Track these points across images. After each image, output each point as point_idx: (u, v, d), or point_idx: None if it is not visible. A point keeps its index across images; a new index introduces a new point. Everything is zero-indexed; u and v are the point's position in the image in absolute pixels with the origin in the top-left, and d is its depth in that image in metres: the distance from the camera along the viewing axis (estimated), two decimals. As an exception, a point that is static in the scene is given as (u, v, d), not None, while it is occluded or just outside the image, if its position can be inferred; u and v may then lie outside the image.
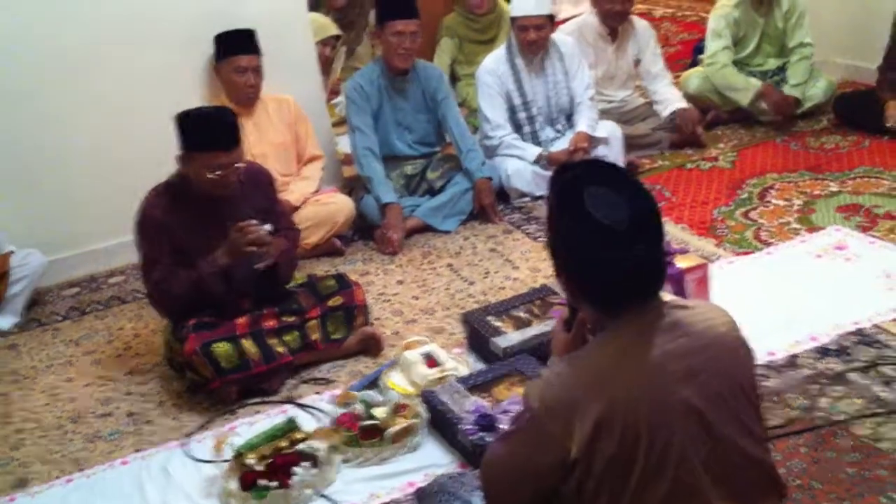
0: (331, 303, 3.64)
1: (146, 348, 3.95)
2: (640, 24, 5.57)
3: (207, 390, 3.45)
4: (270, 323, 3.53)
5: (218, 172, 3.34)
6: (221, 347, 3.37)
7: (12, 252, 4.32)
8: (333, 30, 5.94)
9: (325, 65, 5.66)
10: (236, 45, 4.48)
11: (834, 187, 4.60)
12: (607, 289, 1.82)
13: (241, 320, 3.48)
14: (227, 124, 3.39)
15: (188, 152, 3.37)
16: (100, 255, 4.75)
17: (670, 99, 5.44)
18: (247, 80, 4.49)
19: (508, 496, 1.95)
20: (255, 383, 3.46)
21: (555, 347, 2.12)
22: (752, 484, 1.87)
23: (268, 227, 3.45)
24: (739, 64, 5.64)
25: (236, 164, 3.39)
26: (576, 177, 1.86)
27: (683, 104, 5.42)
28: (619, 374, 1.77)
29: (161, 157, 4.59)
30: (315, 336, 3.59)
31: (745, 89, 5.52)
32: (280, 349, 3.50)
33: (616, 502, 1.78)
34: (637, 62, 5.55)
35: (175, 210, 3.43)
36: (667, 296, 2.00)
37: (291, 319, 3.58)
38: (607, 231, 1.76)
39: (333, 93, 6.00)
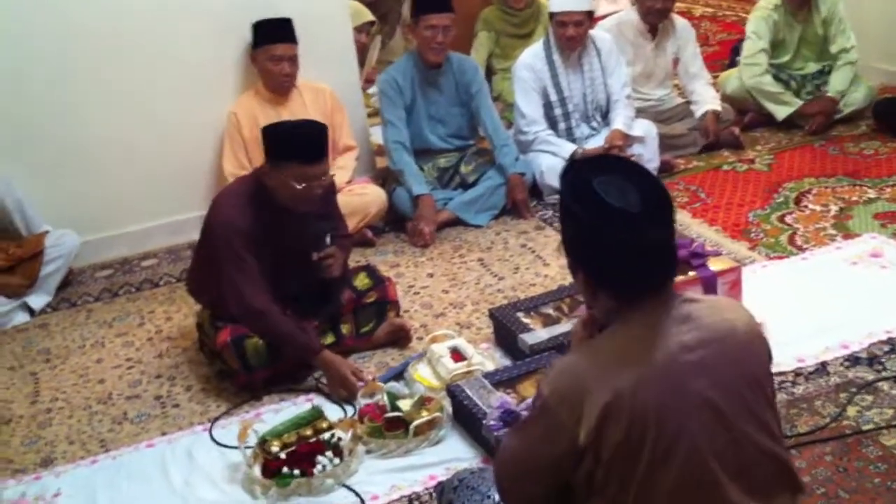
0: (365, 299, 3.65)
1: (177, 332, 3.98)
2: (681, 22, 5.53)
3: (235, 383, 3.47)
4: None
5: (304, 184, 3.28)
6: (253, 342, 3.36)
7: (47, 232, 4.37)
8: (368, 16, 5.95)
9: (361, 52, 5.67)
10: (273, 34, 4.49)
11: (872, 194, 4.55)
12: (624, 274, 1.84)
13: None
14: (317, 136, 3.34)
15: (276, 162, 3.29)
16: (134, 237, 4.79)
17: (705, 100, 5.40)
18: (282, 68, 4.50)
19: (521, 489, 1.95)
20: (282, 377, 3.48)
21: (573, 346, 2.15)
22: (769, 478, 1.86)
23: (328, 241, 3.48)
24: (779, 68, 5.59)
25: (322, 177, 3.34)
26: (584, 169, 1.91)
27: (715, 106, 5.39)
28: (627, 362, 1.79)
29: (196, 145, 4.70)
30: (346, 330, 3.60)
31: (781, 104, 5.49)
32: None
33: (625, 491, 1.79)
34: (676, 61, 5.52)
35: (254, 218, 3.35)
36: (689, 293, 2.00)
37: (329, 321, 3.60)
38: (621, 214, 1.79)
39: (368, 81, 6.01)
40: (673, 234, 1.86)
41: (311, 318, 3.54)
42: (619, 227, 1.79)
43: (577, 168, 1.94)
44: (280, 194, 3.33)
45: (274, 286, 3.41)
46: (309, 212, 3.40)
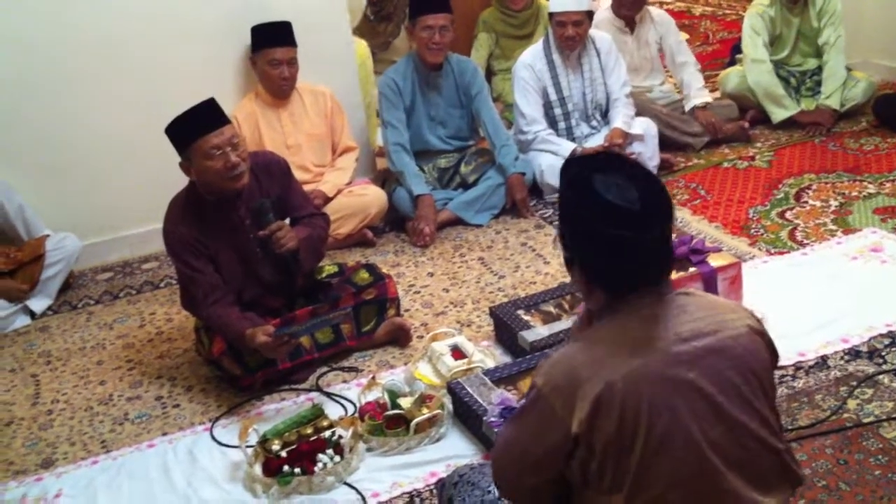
0: (364, 295, 3.65)
1: (178, 333, 3.99)
2: (657, 11, 5.63)
3: (237, 385, 3.47)
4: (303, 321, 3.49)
5: (217, 157, 3.25)
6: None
7: (48, 235, 4.37)
8: None
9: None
10: (272, 38, 4.49)
11: (872, 189, 4.55)
12: (619, 270, 1.84)
13: (275, 322, 3.37)
14: (205, 108, 3.31)
15: (184, 151, 3.31)
16: (134, 240, 4.80)
17: (692, 93, 5.44)
18: (280, 72, 4.50)
19: (516, 479, 1.95)
20: (282, 377, 3.48)
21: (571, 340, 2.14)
22: (766, 470, 1.86)
23: (271, 217, 3.42)
24: (778, 64, 5.58)
25: (232, 142, 3.29)
26: (584, 166, 1.90)
27: (704, 98, 5.42)
28: (620, 353, 1.79)
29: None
30: (346, 330, 3.59)
31: (780, 107, 5.48)
32: (307, 345, 3.50)
33: (620, 482, 1.78)
34: (661, 51, 5.53)
35: (195, 221, 3.38)
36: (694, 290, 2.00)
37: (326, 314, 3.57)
38: (622, 212, 1.78)
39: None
40: (671, 232, 1.86)
41: (285, 299, 3.59)
42: (618, 225, 1.79)
43: (577, 164, 1.93)
44: (207, 182, 3.33)
45: (243, 278, 3.47)
46: (241, 190, 3.38)
